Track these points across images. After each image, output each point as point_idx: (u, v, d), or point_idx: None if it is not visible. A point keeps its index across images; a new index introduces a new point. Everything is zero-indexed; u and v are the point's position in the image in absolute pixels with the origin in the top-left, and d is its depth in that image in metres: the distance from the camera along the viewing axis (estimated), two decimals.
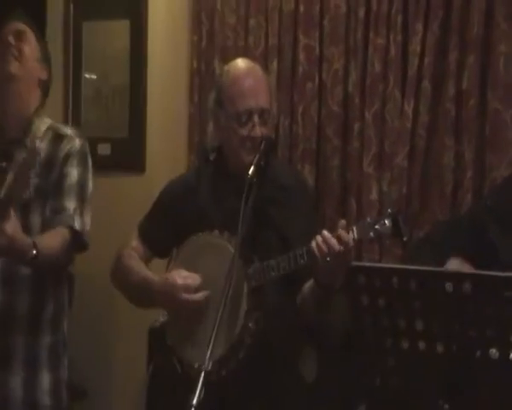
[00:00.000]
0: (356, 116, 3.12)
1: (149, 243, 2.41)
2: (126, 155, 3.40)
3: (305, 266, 2.11)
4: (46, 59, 2.51)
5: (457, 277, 1.75)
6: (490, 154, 2.89)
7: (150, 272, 2.35)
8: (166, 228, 2.36)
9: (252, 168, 2.18)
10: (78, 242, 2.41)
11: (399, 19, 3.03)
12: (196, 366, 1.93)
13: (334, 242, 2.02)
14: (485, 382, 1.73)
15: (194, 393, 1.86)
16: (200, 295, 2.18)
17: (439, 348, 1.74)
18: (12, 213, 2.13)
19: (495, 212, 2.18)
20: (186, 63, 3.48)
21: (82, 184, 2.43)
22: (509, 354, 1.68)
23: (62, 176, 2.39)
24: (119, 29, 3.45)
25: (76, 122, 3.49)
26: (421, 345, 1.77)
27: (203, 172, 2.38)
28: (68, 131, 2.47)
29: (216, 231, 2.23)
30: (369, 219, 2.08)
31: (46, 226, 2.37)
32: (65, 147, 2.41)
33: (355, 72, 3.12)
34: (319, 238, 2.04)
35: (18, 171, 2.09)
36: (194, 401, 1.85)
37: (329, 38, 3.17)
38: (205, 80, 3.43)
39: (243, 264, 2.17)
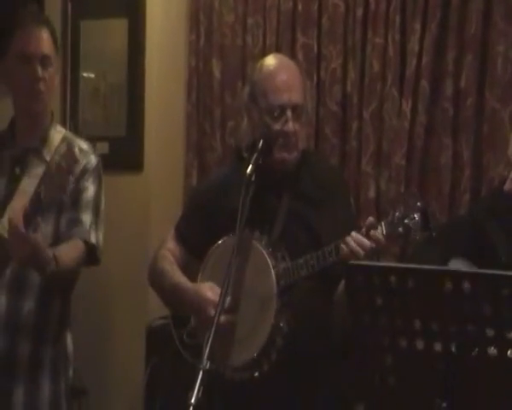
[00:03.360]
0: (354, 115, 3.12)
1: (187, 244, 2.39)
2: (124, 153, 3.40)
3: (333, 264, 2.10)
4: (58, 53, 2.50)
5: (456, 275, 1.75)
6: (488, 153, 2.90)
7: (183, 277, 2.32)
8: (203, 229, 2.34)
9: (250, 167, 2.17)
10: (91, 256, 2.43)
11: (397, 18, 3.04)
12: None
13: (365, 241, 2.04)
14: (483, 380, 1.73)
15: (193, 391, 1.87)
16: (225, 318, 2.14)
17: (437, 347, 1.74)
18: (39, 222, 2.17)
19: (494, 212, 2.18)
20: (184, 62, 3.48)
21: (97, 200, 2.46)
22: (507, 353, 1.68)
23: (79, 190, 2.41)
24: (117, 28, 3.44)
25: (74, 121, 3.49)
26: (420, 344, 1.77)
27: (236, 170, 2.34)
28: (83, 145, 2.49)
29: (246, 231, 2.20)
30: (397, 214, 2.06)
31: (62, 237, 2.39)
32: (81, 162, 2.42)
33: (353, 71, 3.12)
34: (350, 239, 2.05)
35: (54, 176, 2.09)
36: (193, 400, 1.86)
37: (328, 37, 3.17)
38: (203, 79, 3.44)
39: (274, 263, 2.16)
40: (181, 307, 2.30)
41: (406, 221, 2.04)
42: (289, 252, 2.19)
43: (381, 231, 2.06)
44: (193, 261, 2.40)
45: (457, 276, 1.74)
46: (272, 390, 2.16)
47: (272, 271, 2.15)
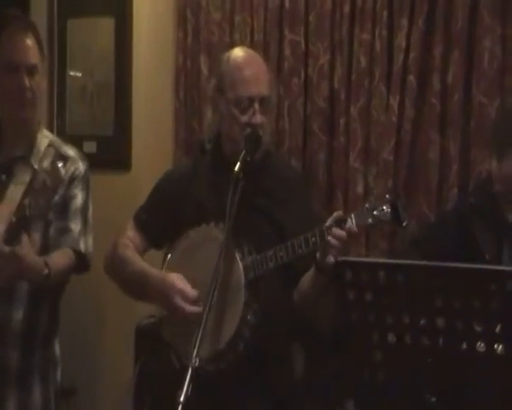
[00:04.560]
0: (342, 111, 3.12)
1: (146, 233, 2.40)
2: (112, 152, 3.39)
3: (301, 256, 2.12)
4: (43, 55, 2.49)
5: (443, 270, 1.76)
6: (475, 148, 2.90)
7: (147, 264, 2.34)
8: (164, 219, 2.36)
9: (238, 164, 2.18)
10: (81, 264, 2.44)
11: (384, 14, 3.04)
12: (194, 361, 1.93)
13: (341, 233, 2.06)
14: (471, 375, 1.74)
15: (182, 389, 1.87)
16: (194, 309, 2.17)
17: (426, 342, 1.75)
18: (25, 237, 2.15)
19: (478, 210, 2.19)
20: (171, 60, 3.47)
21: (85, 207, 2.47)
22: (494, 347, 1.68)
23: (68, 198, 2.43)
24: (104, 26, 3.43)
25: (61, 120, 3.47)
26: (408, 339, 1.78)
27: (200, 162, 2.37)
28: (70, 151, 2.49)
29: (212, 224, 2.24)
30: (367, 205, 2.09)
31: (52, 246, 2.40)
32: (69, 169, 2.42)
33: (341, 67, 3.12)
34: (332, 232, 2.07)
35: (39, 193, 2.09)
36: (182, 398, 1.86)
37: (315, 33, 3.17)
38: (190, 77, 3.43)
39: (241, 256, 2.18)
40: (144, 293, 2.31)
41: (375, 213, 2.07)
42: (254, 245, 2.22)
43: (351, 223, 2.08)
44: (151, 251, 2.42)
45: (446, 271, 1.75)
46: (239, 382, 2.17)
47: (240, 263, 2.18)
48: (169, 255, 2.33)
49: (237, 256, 2.18)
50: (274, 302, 2.21)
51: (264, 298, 2.19)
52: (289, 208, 2.28)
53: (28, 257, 2.18)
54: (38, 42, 2.44)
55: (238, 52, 2.35)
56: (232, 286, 2.17)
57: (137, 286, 2.32)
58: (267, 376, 2.22)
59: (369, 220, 2.07)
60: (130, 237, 2.41)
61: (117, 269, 2.39)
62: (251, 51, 2.41)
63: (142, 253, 2.40)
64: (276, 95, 2.37)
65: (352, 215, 2.09)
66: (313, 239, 2.10)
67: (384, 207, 2.06)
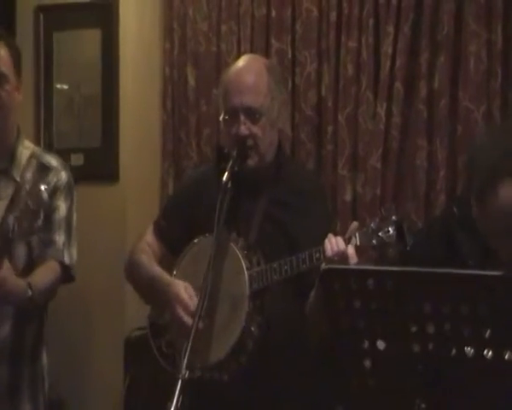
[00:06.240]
0: (329, 119, 3.12)
1: (164, 239, 2.39)
2: (99, 164, 3.37)
3: (307, 271, 2.09)
4: (19, 71, 2.47)
5: (432, 276, 1.75)
6: (462, 153, 2.91)
7: (160, 269, 2.32)
8: (181, 225, 2.34)
9: (226, 174, 2.16)
10: (66, 275, 2.43)
11: (371, 21, 3.05)
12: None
13: (340, 241, 2.04)
14: (461, 380, 1.73)
15: (172, 401, 1.85)
16: (189, 322, 2.12)
17: (415, 348, 1.74)
18: (6, 261, 2.14)
19: (461, 218, 2.18)
20: (159, 71, 3.47)
21: (69, 218, 2.45)
22: (483, 352, 1.68)
23: (51, 210, 2.40)
24: (90, 38, 3.42)
25: (48, 133, 3.46)
26: (397, 345, 1.77)
27: (216, 166, 2.32)
28: (53, 161, 2.46)
29: (224, 232, 2.18)
30: (372, 225, 2.05)
31: (36, 259, 2.38)
32: (51, 180, 2.40)
33: (328, 75, 3.13)
34: (332, 240, 2.04)
35: (22, 216, 2.07)
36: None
37: (302, 41, 3.18)
38: (178, 87, 3.43)
39: (249, 266, 2.16)
40: (154, 299, 2.30)
41: (380, 234, 2.03)
42: (265, 257, 2.19)
43: (354, 242, 2.05)
44: (169, 257, 2.40)
45: (434, 277, 1.74)
46: (241, 393, 2.15)
47: (246, 273, 2.15)
48: (178, 261, 2.31)
49: (244, 265, 2.16)
50: (278, 317, 2.18)
51: (269, 312, 2.16)
52: (305, 222, 2.23)
53: (10, 281, 2.16)
54: (12, 53, 2.41)
55: (238, 62, 2.32)
56: (237, 295, 2.15)
57: (148, 291, 2.31)
58: (270, 389, 2.19)
59: (374, 242, 2.03)
60: (149, 241, 2.39)
61: (133, 274, 2.39)
62: (251, 60, 2.34)
63: (159, 258, 2.37)
64: (279, 103, 2.27)
65: (357, 234, 2.05)
66: (317, 255, 2.07)
67: (389, 229, 2.02)
